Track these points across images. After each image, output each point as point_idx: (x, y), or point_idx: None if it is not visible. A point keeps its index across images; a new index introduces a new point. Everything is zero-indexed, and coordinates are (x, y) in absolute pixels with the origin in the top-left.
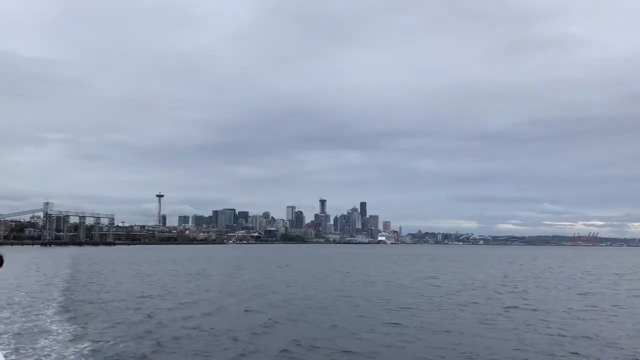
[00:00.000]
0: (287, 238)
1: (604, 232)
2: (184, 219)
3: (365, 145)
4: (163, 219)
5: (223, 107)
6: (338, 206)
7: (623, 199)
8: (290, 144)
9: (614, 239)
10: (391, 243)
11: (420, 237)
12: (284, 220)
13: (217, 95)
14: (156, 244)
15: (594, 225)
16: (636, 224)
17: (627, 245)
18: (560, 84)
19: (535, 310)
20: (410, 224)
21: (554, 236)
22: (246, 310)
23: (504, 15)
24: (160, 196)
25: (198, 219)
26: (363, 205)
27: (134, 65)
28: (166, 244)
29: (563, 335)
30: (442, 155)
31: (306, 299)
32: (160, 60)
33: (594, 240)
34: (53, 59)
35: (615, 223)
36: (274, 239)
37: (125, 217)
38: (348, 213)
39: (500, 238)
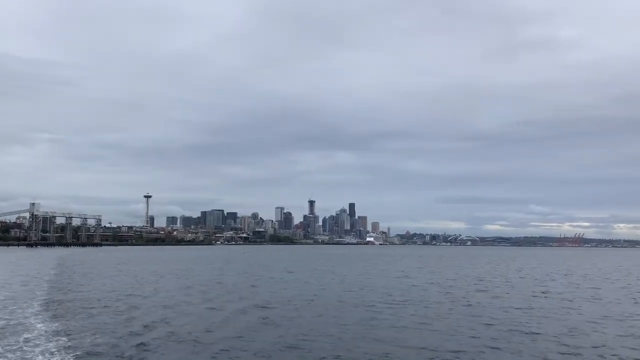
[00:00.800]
0: (276, 239)
1: (591, 233)
2: (172, 219)
3: (357, 146)
4: (151, 219)
5: (215, 107)
6: (327, 207)
7: (609, 200)
8: (282, 145)
9: (600, 240)
10: (379, 244)
11: (408, 238)
12: (272, 221)
13: (209, 96)
14: (143, 244)
15: (580, 226)
16: (622, 225)
17: (612, 246)
18: (552, 86)
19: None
20: (399, 225)
21: (540, 237)
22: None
23: (496, 17)
24: (148, 197)
25: (186, 220)
26: (352, 206)
27: (125, 66)
28: (153, 244)
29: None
30: (432, 156)
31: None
32: (152, 61)
33: (579, 242)
34: (43, 59)
35: (601, 224)
36: (262, 240)
37: (113, 218)
38: (337, 214)
39: (488, 239)
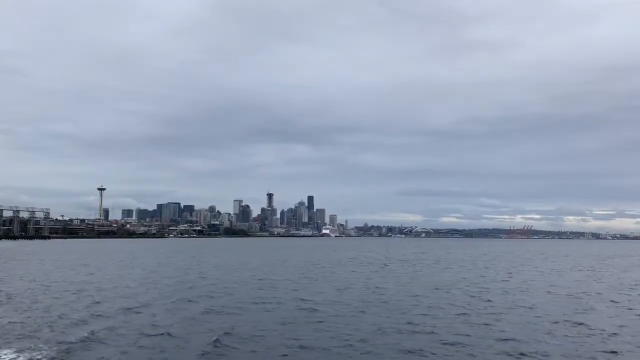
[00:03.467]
0: (231, 232)
1: (542, 225)
2: (127, 212)
3: (312, 139)
4: (105, 212)
5: (167, 99)
6: (286, 200)
7: (557, 193)
8: (237, 138)
9: (549, 232)
10: (335, 236)
11: (365, 230)
12: (230, 214)
13: (161, 88)
14: (95, 237)
15: (532, 218)
16: (571, 217)
17: (558, 238)
18: (495, 84)
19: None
20: (357, 217)
21: (493, 229)
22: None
23: (438, 18)
24: (101, 189)
25: (142, 213)
26: (310, 199)
27: (74, 56)
28: (105, 237)
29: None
30: (386, 150)
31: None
32: (103, 52)
33: (528, 233)
34: None
35: (550, 217)
36: (217, 232)
37: (66, 211)
38: (295, 207)
39: (442, 231)
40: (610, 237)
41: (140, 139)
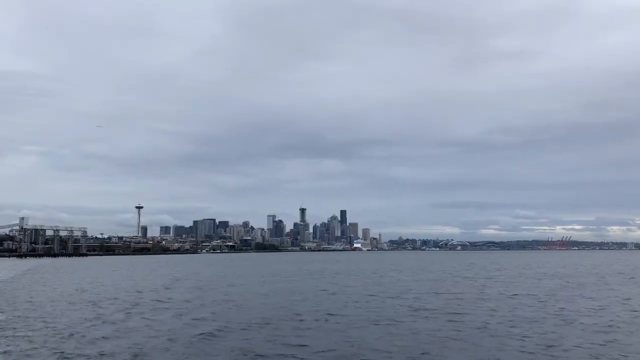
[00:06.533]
0: (262, 247)
1: (584, 236)
2: (165, 229)
3: (342, 154)
4: (144, 230)
5: (197, 119)
6: (318, 214)
7: (597, 203)
8: (267, 154)
9: (590, 242)
10: (367, 250)
11: (399, 244)
12: (263, 229)
13: (190, 108)
14: (130, 254)
15: (572, 229)
16: (613, 227)
17: (599, 249)
18: (520, 94)
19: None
20: (391, 231)
21: (532, 240)
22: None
23: (457, 30)
24: (139, 207)
25: (178, 229)
26: (343, 213)
27: (107, 80)
28: (140, 254)
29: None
30: (417, 162)
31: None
32: (133, 75)
33: (567, 244)
34: (26, 72)
35: (591, 227)
36: (248, 248)
37: (104, 228)
38: (328, 221)
39: (478, 243)
40: None
41: (174, 158)
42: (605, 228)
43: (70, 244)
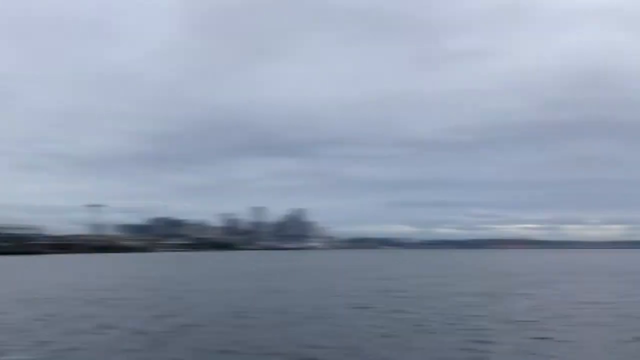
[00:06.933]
0: (217, 246)
1: (542, 235)
2: (121, 227)
3: (299, 153)
4: (99, 227)
5: (154, 119)
6: (275, 213)
7: (553, 202)
8: (223, 154)
9: (547, 241)
10: (322, 248)
11: (356, 242)
12: (219, 228)
13: (149, 108)
14: (87, 252)
15: (529, 228)
16: (570, 226)
17: (554, 248)
18: (476, 93)
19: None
20: (349, 230)
21: (488, 240)
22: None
23: (415, 30)
24: (96, 206)
25: (134, 228)
26: (300, 212)
27: (62, 79)
28: (96, 252)
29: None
30: (373, 162)
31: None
32: (88, 75)
33: (523, 243)
34: None
35: (547, 225)
36: (204, 246)
37: (60, 227)
38: (284, 220)
39: (436, 242)
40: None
41: (129, 157)
42: (560, 227)
43: (24, 242)
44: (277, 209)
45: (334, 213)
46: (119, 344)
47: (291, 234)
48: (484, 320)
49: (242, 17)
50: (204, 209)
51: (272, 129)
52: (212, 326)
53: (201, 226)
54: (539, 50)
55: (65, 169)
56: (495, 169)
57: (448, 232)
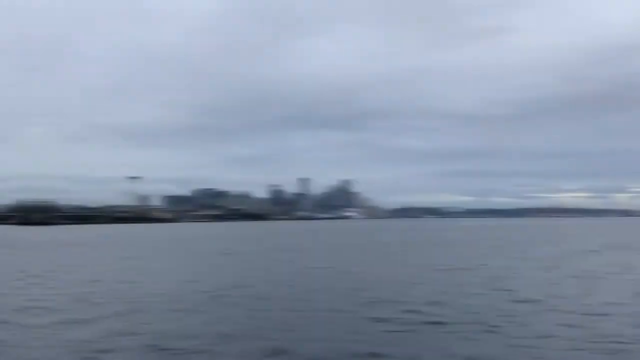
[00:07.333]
0: (248, 216)
1: (589, 204)
2: (168, 199)
3: (344, 126)
4: (142, 199)
5: (198, 92)
6: (322, 184)
7: (599, 172)
8: (271, 126)
9: (599, 210)
10: (362, 218)
11: (400, 212)
12: (262, 198)
13: (190, 81)
14: (109, 223)
15: (579, 196)
16: (622, 195)
17: (591, 215)
18: (505, 68)
19: None
20: (394, 199)
21: (536, 208)
22: None
23: (435, 11)
24: (135, 177)
25: (177, 199)
26: (345, 182)
27: (111, 56)
28: (118, 223)
29: None
30: (419, 133)
31: None
32: (134, 51)
33: (560, 211)
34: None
35: (590, 194)
36: (235, 217)
37: (103, 197)
38: (329, 191)
39: (481, 211)
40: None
41: (176, 129)
42: (612, 195)
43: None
44: (323, 180)
45: (380, 183)
46: None
47: (337, 204)
48: None
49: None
50: (251, 180)
51: (316, 102)
52: None
53: (244, 197)
54: (558, 27)
55: (113, 141)
56: (535, 141)
57: (495, 200)
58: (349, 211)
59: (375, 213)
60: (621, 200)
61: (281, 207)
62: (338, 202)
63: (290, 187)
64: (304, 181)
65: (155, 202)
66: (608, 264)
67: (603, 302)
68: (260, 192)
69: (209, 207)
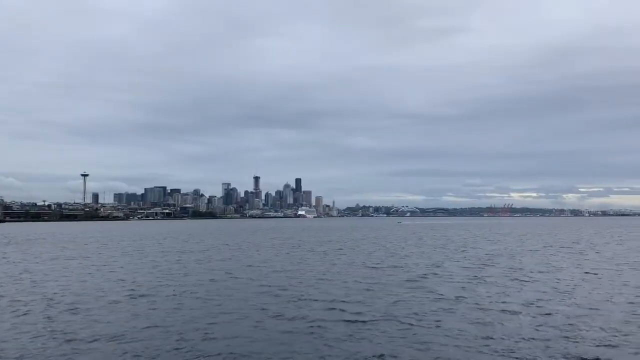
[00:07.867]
0: (198, 214)
1: (538, 203)
2: (118, 196)
3: (296, 124)
4: (95, 197)
5: (151, 89)
6: (275, 183)
7: (545, 172)
8: (223, 124)
9: (546, 209)
10: (314, 217)
11: (353, 211)
12: (215, 197)
13: (142, 79)
14: (57, 221)
15: (530, 196)
16: (570, 195)
17: (540, 215)
18: (457, 69)
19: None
20: (348, 199)
21: (484, 207)
22: None
23: (385, 12)
24: (85, 175)
25: (130, 197)
26: (298, 181)
27: (60, 53)
28: (66, 221)
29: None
30: (371, 133)
31: None
32: (82, 48)
33: (509, 211)
34: None
35: (541, 194)
36: (185, 215)
37: (54, 195)
38: (282, 189)
39: (428, 210)
40: (587, 214)
41: (127, 126)
42: (562, 196)
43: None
44: (276, 179)
45: (333, 182)
46: None
47: (288, 203)
48: None
49: None
50: (204, 178)
51: (267, 100)
52: None
53: (196, 195)
54: (506, 28)
55: (62, 138)
56: (486, 141)
57: (446, 200)
58: (301, 210)
59: (327, 212)
60: (570, 200)
61: (233, 205)
62: (290, 201)
63: (243, 185)
64: (256, 180)
65: (106, 200)
66: (540, 263)
67: (519, 301)
68: (213, 191)
69: (161, 205)
